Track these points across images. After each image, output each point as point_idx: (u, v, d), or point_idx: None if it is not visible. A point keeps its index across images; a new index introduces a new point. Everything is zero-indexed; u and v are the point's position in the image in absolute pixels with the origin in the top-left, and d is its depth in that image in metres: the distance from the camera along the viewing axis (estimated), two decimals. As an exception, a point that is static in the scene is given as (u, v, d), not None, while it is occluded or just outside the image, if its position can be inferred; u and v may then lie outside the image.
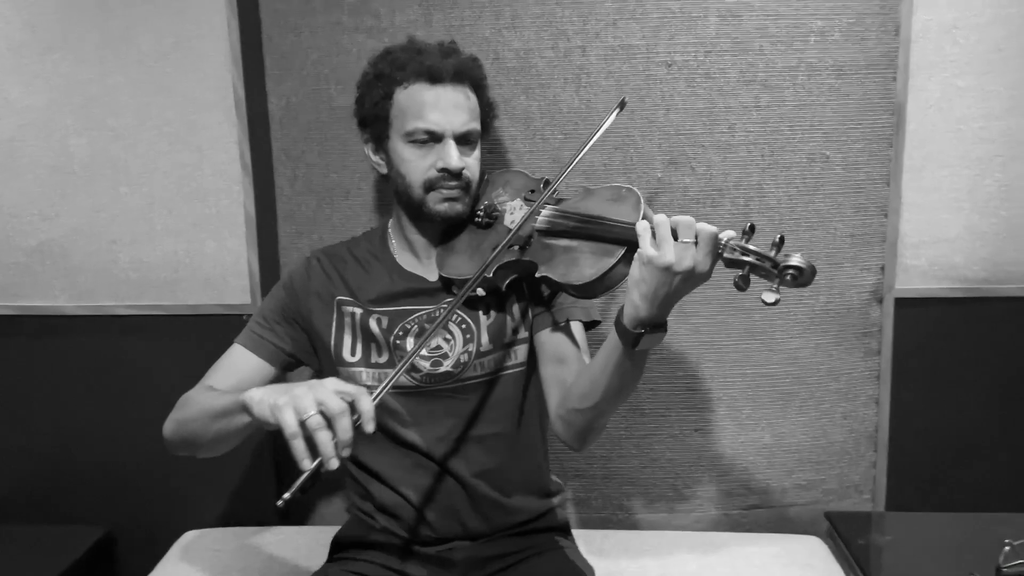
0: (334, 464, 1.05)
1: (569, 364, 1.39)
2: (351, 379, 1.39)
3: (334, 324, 1.45)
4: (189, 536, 1.82)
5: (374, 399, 1.09)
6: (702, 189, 1.76)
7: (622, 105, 1.49)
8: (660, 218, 1.11)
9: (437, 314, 1.41)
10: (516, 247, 1.35)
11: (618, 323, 1.19)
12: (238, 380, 1.40)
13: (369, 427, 1.06)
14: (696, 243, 1.09)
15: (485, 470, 1.42)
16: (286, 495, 1.04)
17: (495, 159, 1.76)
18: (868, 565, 1.16)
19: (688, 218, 1.11)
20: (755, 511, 1.90)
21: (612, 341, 1.21)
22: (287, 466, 1.90)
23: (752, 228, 1.10)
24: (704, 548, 1.73)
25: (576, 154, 1.38)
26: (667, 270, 1.09)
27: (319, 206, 1.84)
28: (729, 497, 1.89)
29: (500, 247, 1.31)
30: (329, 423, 1.05)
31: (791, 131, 1.75)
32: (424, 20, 1.74)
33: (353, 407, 1.07)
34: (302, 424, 1.05)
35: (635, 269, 1.13)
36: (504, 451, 1.44)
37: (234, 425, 1.23)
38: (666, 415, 1.86)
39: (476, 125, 1.42)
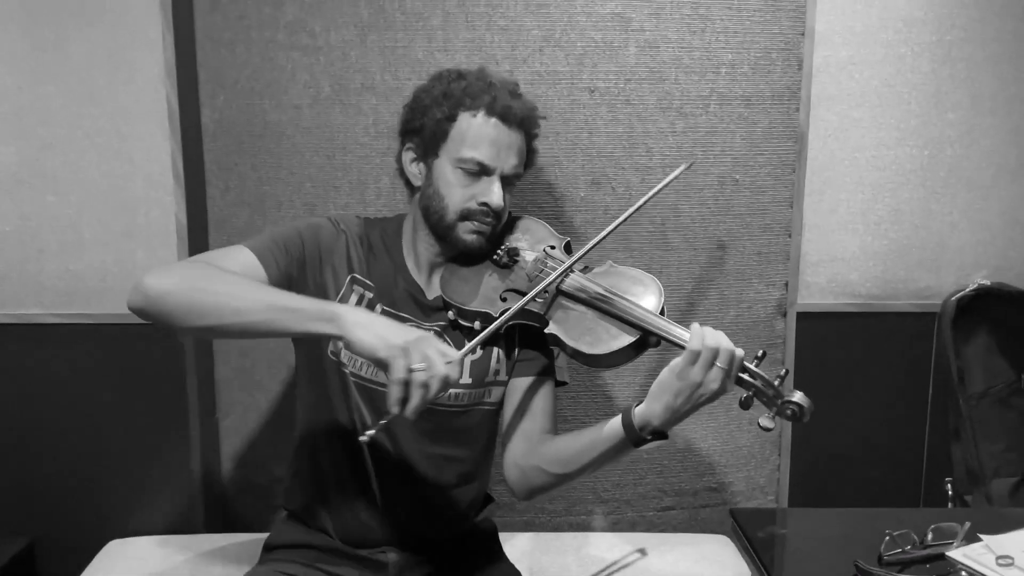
0: (413, 418, 1.12)
1: (537, 419, 1.44)
2: (336, 354, 1.41)
3: (340, 295, 1.42)
4: (113, 545, 1.80)
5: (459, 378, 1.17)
6: (621, 208, 1.85)
7: (690, 166, 1.55)
8: (714, 342, 1.19)
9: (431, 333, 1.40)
10: (539, 299, 1.38)
11: (627, 423, 1.26)
12: None
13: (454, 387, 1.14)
14: (728, 368, 1.19)
15: (435, 485, 1.45)
16: (371, 432, 1.16)
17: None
18: (765, 556, 1.26)
19: (733, 347, 1.20)
20: (668, 512, 2.01)
21: (614, 432, 1.28)
22: (214, 471, 1.94)
23: (764, 355, 1.23)
24: (622, 547, 1.81)
25: (618, 217, 1.42)
26: (696, 387, 1.19)
27: (251, 217, 1.87)
28: (644, 499, 2.00)
29: (527, 299, 1.33)
30: (426, 382, 1.11)
31: (704, 155, 1.87)
32: (359, 40, 1.80)
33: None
34: (409, 371, 1.10)
35: (669, 381, 1.21)
36: (455, 472, 1.47)
37: (297, 326, 1.19)
38: (585, 421, 1.95)
39: (522, 170, 1.45)
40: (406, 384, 1.12)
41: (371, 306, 1.42)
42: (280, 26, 1.80)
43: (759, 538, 1.32)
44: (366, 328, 1.16)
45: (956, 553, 1.27)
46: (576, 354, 1.33)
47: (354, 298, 1.42)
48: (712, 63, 1.84)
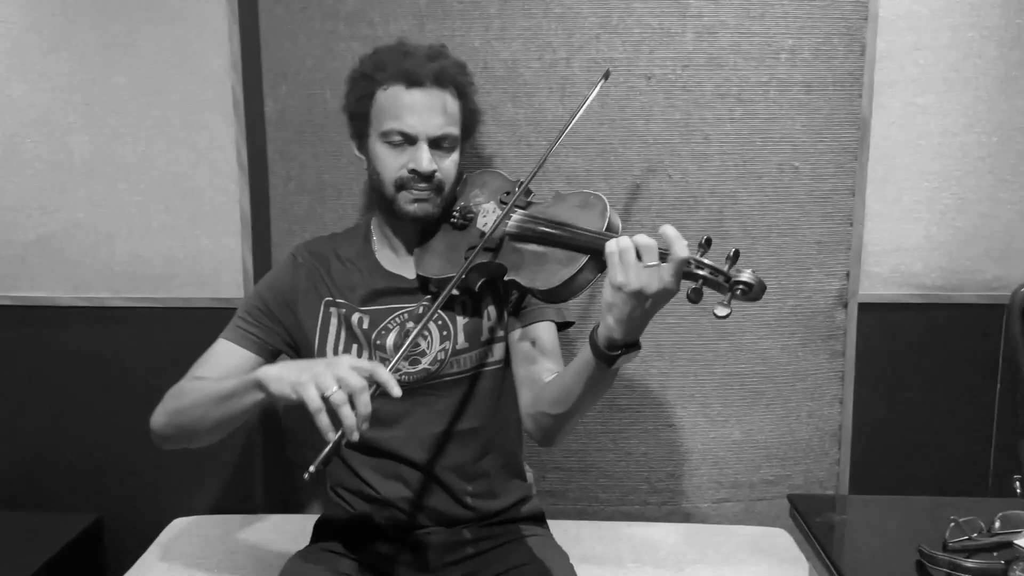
0: (356, 436, 1.08)
1: (540, 364, 1.43)
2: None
3: (319, 322, 1.47)
4: (177, 523, 1.86)
5: (390, 368, 1.14)
6: (678, 196, 1.85)
7: (607, 75, 1.52)
8: (624, 243, 1.12)
9: (419, 311, 1.45)
10: (488, 250, 1.37)
11: (593, 344, 1.20)
12: (225, 372, 1.41)
13: (395, 391, 1.11)
14: (661, 264, 1.10)
15: (458, 464, 1.46)
16: (312, 467, 1.09)
17: (482, 163, 1.84)
18: (826, 542, 1.24)
19: (651, 240, 1.11)
20: (724, 504, 1.98)
21: (586, 358, 1.22)
22: (274, 455, 1.98)
23: (708, 242, 1.11)
24: (676, 538, 1.81)
25: (551, 145, 1.44)
26: (637, 294, 1.10)
27: (311, 205, 1.91)
28: (699, 491, 1.98)
29: (475, 252, 1.33)
30: (350, 398, 1.09)
31: (763, 142, 1.84)
32: (418, 29, 1.82)
33: (370, 380, 1.11)
34: (325, 400, 1.09)
35: (607, 294, 1.14)
36: (478, 446, 1.48)
37: (242, 405, 1.25)
38: (640, 411, 1.94)
39: (453, 130, 1.44)
40: (325, 410, 1.09)
41: (347, 318, 1.46)
42: (340, 17, 1.83)
43: (817, 522, 1.29)
44: (279, 379, 1.16)
45: (1025, 541, 1.23)
46: (537, 293, 1.29)
47: (334, 320, 1.47)
48: (772, 49, 1.81)
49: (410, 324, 1.46)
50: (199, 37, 1.88)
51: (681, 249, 1.09)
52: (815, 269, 1.91)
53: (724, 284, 1.08)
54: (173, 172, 1.94)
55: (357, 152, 1.51)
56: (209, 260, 1.97)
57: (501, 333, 1.49)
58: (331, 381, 1.10)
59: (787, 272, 1.90)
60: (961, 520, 1.20)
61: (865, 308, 1.95)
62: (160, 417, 1.39)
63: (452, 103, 1.45)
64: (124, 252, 1.97)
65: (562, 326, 1.51)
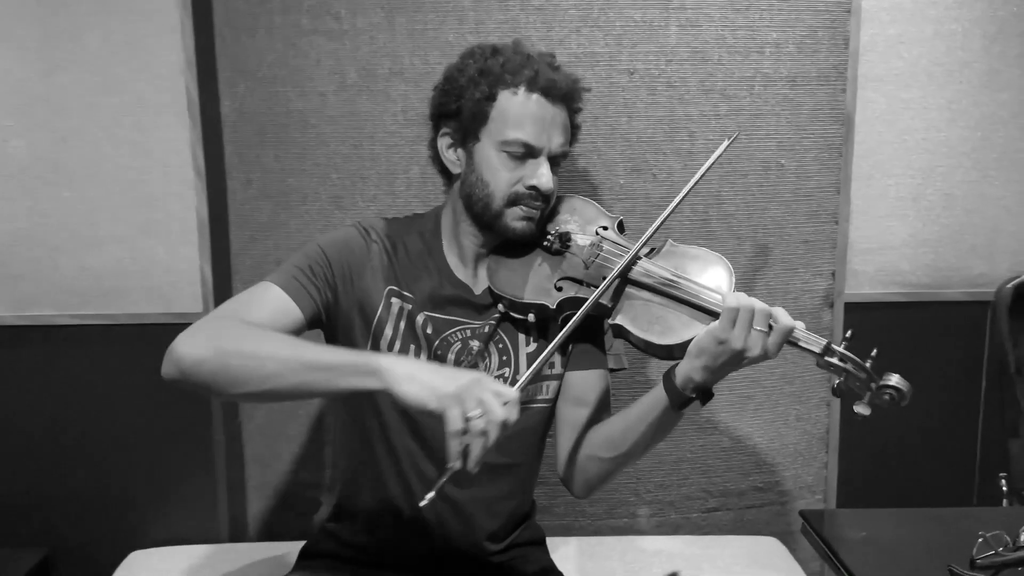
0: (475, 471, 1.05)
1: (588, 409, 1.38)
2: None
3: (380, 310, 1.33)
4: (135, 557, 1.74)
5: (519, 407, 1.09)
6: (663, 195, 1.79)
7: (734, 139, 1.43)
8: (744, 302, 1.15)
9: (486, 331, 1.34)
10: (592, 286, 1.30)
11: (669, 384, 1.21)
12: (270, 323, 1.24)
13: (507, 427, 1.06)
14: (769, 332, 1.14)
15: (487, 498, 1.37)
16: (429, 495, 1.07)
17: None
18: (850, 562, 1.18)
19: (767, 308, 1.15)
20: (714, 514, 1.92)
21: (657, 398, 1.22)
22: (238, 479, 1.87)
23: (851, 335, 1.17)
24: (669, 552, 1.75)
25: (675, 198, 1.35)
26: (738, 353, 1.14)
27: (274, 211, 1.80)
28: (689, 501, 1.91)
29: (603, 287, 1.25)
30: (484, 429, 1.04)
31: (748, 139, 1.79)
32: (386, 23, 1.72)
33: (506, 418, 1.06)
34: (466, 420, 1.04)
35: (704, 341, 1.16)
36: (510, 481, 1.40)
37: (341, 385, 1.11)
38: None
39: (568, 147, 1.36)
40: (464, 434, 1.04)
41: (412, 317, 1.33)
42: (303, 10, 1.72)
43: (838, 542, 1.24)
44: (412, 380, 1.07)
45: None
46: (646, 345, 1.25)
47: (394, 311, 1.33)
48: (756, 42, 1.76)
49: (474, 343, 1.34)
50: (150, 31, 1.77)
51: (787, 319, 1.14)
52: (802, 269, 1.86)
53: (867, 384, 1.14)
54: (123, 178, 1.82)
55: (447, 153, 1.35)
56: (164, 272, 1.85)
57: (559, 370, 1.40)
58: (475, 403, 1.04)
59: (774, 273, 1.85)
60: (988, 535, 1.16)
61: (851, 308, 1.91)
62: (201, 348, 1.13)
63: (568, 121, 1.35)
64: (70, 265, 1.84)
65: (614, 370, 1.44)
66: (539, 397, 1.38)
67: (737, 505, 1.93)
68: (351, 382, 1.10)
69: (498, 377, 1.34)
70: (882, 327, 1.93)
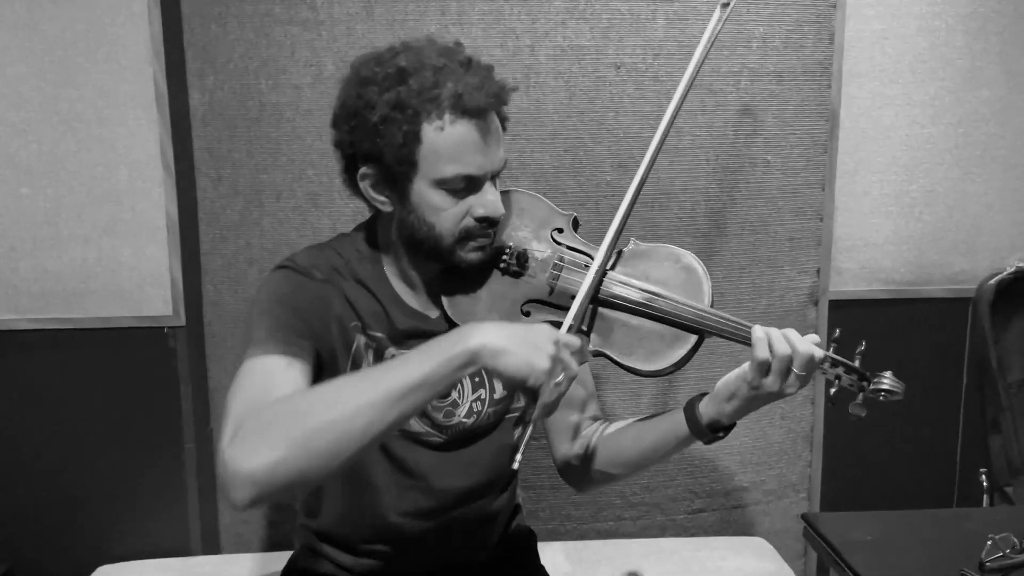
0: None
1: (577, 407, 1.36)
2: None
3: (352, 354, 1.21)
4: (102, 572, 1.67)
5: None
6: (650, 193, 1.75)
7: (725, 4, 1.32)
8: (780, 349, 1.10)
9: None
10: (558, 307, 1.19)
11: (693, 422, 1.19)
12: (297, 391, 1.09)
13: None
14: (807, 373, 1.11)
15: (479, 515, 1.32)
16: (519, 456, 1.06)
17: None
18: (858, 566, 1.16)
19: (804, 352, 1.10)
20: (700, 515, 1.90)
21: (678, 431, 1.21)
22: (209, 487, 1.80)
23: (838, 336, 1.16)
24: (657, 555, 1.72)
25: (636, 183, 1.25)
26: (775, 394, 1.12)
27: (246, 209, 1.73)
28: (675, 502, 1.89)
29: (575, 316, 1.13)
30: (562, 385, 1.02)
31: (735, 135, 1.77)
32: (365, 13, 1.66)
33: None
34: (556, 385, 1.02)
35: (734, 384, 1.14)
36: (497, 492, 1.35)
37: (437, 391, 1.00)
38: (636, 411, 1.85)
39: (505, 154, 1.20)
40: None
41: (380, 353, 1.21)
42: (276, -2, 1.66)
43: (844, 545, 1.21)
44: (508, 353, 0.98)
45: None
46: (631, 371, 1.17)
47: (362, 348, 1.21)
48: (743, 37, 1.74)
49: None
50: (114, 20, 1.69)
51: (814, 350, 1.11)
52: (787, 267, 1.85)
53: (860, 383, 1.14)
54: (86, 174, 1.74)
55: (374, 193, 1.17)
56: (130, 273, 1.77)
57: None
58: (563, 367, 1.01)
59: (760, 270, 1.83)
60: (997, 537, 1.15)
61: (836, 305, 1.91)
62: (266, 452, 0.95)
63: (499, 126, 1.18)
64: (29, 267, 1.76)
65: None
66: (513, 407, 1.32)
67: (723, 505, 1.91)
68: (451, 379, 1.00)
69: (475, 399, 1.27)
70: (865, 324, 1.93)
